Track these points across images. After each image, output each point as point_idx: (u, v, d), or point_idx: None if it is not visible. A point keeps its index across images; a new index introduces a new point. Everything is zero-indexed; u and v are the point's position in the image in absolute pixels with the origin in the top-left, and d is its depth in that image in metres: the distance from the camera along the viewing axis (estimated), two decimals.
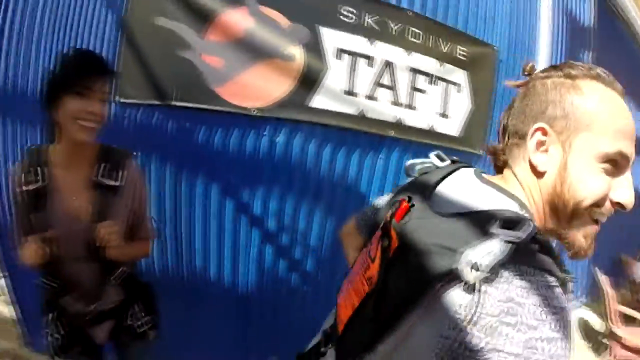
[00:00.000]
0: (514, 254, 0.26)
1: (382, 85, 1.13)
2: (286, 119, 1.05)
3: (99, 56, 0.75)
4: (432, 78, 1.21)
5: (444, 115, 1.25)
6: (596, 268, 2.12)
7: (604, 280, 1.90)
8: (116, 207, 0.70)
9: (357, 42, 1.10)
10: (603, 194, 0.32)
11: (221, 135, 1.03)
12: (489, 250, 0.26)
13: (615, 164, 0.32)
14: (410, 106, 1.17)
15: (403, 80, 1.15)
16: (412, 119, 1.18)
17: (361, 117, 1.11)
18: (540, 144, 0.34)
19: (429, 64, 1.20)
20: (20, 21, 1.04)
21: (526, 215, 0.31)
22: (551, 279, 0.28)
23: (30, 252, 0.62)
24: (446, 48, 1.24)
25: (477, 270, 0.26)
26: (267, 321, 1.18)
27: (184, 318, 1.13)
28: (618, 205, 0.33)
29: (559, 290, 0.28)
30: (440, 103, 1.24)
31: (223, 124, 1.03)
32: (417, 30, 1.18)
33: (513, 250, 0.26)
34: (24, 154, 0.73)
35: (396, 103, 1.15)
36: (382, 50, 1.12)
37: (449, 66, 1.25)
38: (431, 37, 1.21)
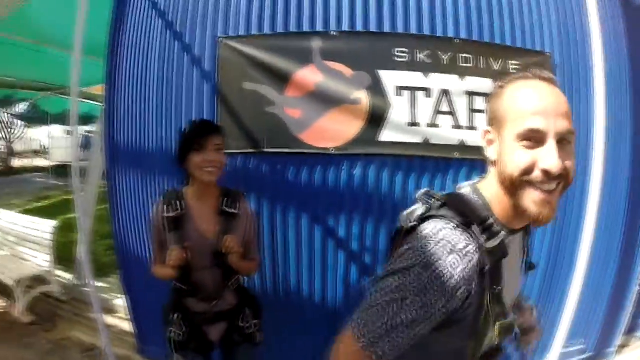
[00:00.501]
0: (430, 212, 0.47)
1: (441, 112, 1.25)
2: (360, 154, 1.23)
3: (209, 121, 1.03)
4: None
5: None
6: None
7: None
8: (235, 229, 0.94)
9: (413, 78, 1.25)
10: (526, 164, 0.41)
11: (307, 173, 1.26)
12: (415, 210, 0.50)
13: (531, 139, 0.41)
14: (471, 127, 1.27)
15: (461, 104, 1.26)
16: (474, 138, 1.27)
17: (426, 144, 1.24)
18: (489, 142, 0.50)
19: (484, 84, 1.30)
20: (156, 95, 1.43)
21: (464, 195, 0.49)
22: (448, 225, 0.44)
23: (174, 254, 0.85)
24: (498, 65, 1.33)
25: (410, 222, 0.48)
26: None
27: (280, 330, 1.33)
28: (545, 172, 0.40)
29: (452, 232, 0.43)
30: None
31: (307, 164, 1.25)
32: (467, 55, 1.30)
33: (428, 210, 0.48)
34: (163, 195, 0.97)
35: (457, 126, 1.26)
36: (437, 81, 1.26)
37: None
38: (481, 58, 1.31)
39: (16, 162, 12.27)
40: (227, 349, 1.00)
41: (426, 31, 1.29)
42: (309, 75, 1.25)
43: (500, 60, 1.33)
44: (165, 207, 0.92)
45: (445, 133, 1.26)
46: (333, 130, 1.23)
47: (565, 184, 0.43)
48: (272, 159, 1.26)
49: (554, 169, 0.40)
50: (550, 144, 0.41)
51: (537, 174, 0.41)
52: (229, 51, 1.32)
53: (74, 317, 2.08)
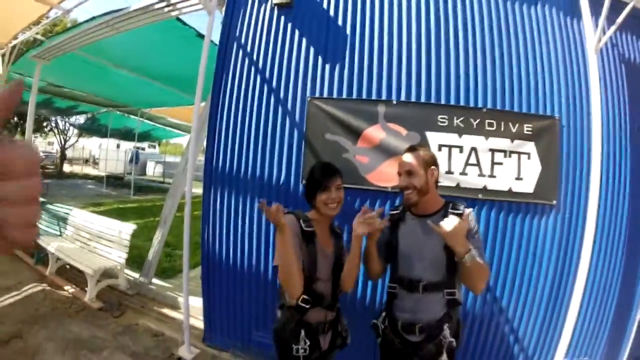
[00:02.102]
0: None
1: (470, 164, 1.81)
2: None
3: (331, 164, 1.23)
4: (507, 153, 1.84)
5: (519, 178, 1.85)
6: None
7: None
8: (342, 246, 1.25)
9: (450, 138, 1.82)
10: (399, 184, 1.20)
11: (370, 203, 1.83)
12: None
13: (399, 173, 1.22)
14: (492, 175, 1.82)
15: (485, 158, 1.82)
16: (494, 184, 1.82)
17: (457, 187, 1.79)
18: None
19: (503, 143, 1.85)
20: (253, 136, 2.03)
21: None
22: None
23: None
24: (515, 128, 1.87)
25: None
26: None
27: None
28: (400, 188, 1.21)
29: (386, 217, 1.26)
30: (516, 170, 1.86)
31: (371, 197, 1.82)
32: (491, 121, 1.85)
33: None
34: (293, 213, 1.17)
35: (481, 175, 1.81)
36: (468, 140, 1.82)
37: (518, 141, 1.87)
38: (502, 123, 1.86)
39: (66, 167, 13.45)
40: (325, 355, 1.16)
41: (462, 102, 1.87)
42: (375, 132, 1.84)
43: (517, 124, 1.88)
44: (302, 221, 1.13)
45: (472, 179, 1.81)
46: (391, 174, 1.79)
47: (413, 190, 1.17)
48: (345, 192, 1.84)
49: (401, 184, 1.20)
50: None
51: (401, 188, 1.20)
52: (315, 108, 1.92)
53: (140, 308, 2.59)
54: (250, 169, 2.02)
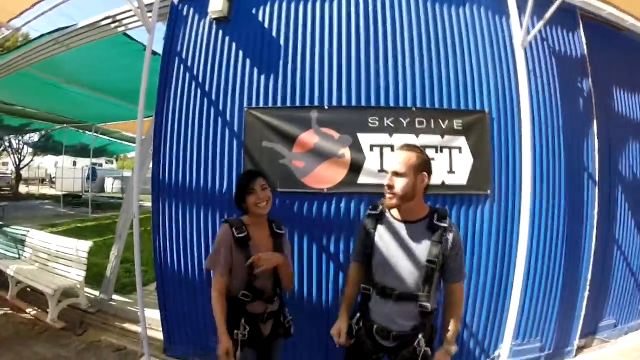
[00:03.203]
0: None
1: None
2: (345, 192, 1.90)
3: (252, 169, 1.49)
4: (438, 149, 1.96)
5: (451, 172, 1.97)
6: None
7: None
8: (284, 245, 1.34)
9: (382, 138, 1.93)
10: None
11: (307, 206, 1.93)
12: None
13: (387, 172, 1.14)
14: None
15: None
16: None
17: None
18: None
19: (434, 139, 1.96)
20: (196, 147, 2.12)
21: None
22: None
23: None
24: (445, 125, 1.99)
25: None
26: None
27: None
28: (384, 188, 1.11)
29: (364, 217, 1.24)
30: (447, 164, 1.97)
31: (308, 200, 1.92)
32: (421, 119, 1.97)
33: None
34: (227, 221, 1.28)
35: None
36: (399, 139, 1.93)
37: (449, 137, 1.99)
38: (432, 120, 1.98)
39: (23, 189, 13.10)
40: (269, 342, 1.32)
41: (392, 103, 1.98)
42: (309, 137, 1.94)
43: (447, 121, 2.00)
44: (234, 229, 1.24)
45: None
46: (326, 176, 1.90)
47: (395, 194, 1.08)
48: (283, 197, 1.94)
49: (385, 185, 1.12)
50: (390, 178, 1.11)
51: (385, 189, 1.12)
52: (252, 118, 2.02)
53: (102, 325, 2.62)
54: (195, 179, 2.10)
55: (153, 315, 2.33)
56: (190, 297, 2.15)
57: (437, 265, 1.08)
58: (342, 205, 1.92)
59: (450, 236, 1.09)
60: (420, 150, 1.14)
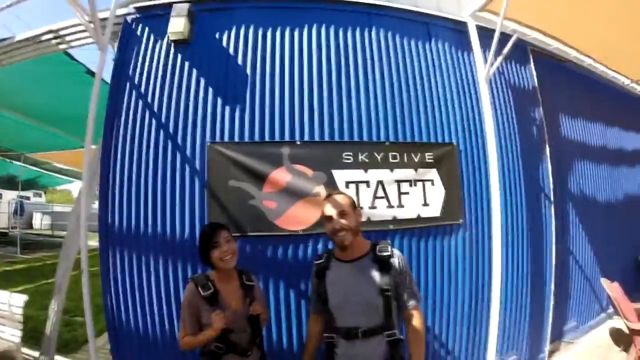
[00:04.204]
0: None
1: (378, 197, 1.91)
2: (321, 233, 1.81)
3: (215, 222, 1.36)
4: (412, 182, 1.99)
5: (425, 204, 2.01)
6: (603, 279, 2.76)
7: (611, 286, 2.46)
8: (255, 296, 1.31)
9: (357, 174, 1.90)
10: (327, 228, 1.24)
11: (282, 249, 1.81)
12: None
13: (328, 217, 1.23)
14: (400, 205, 1.94)
15: (392, 190, 1.94)
16: (403, 213, 1.94)
17: (368, 221, 1.87)
18: None
19: (408, 173, 1.99)
20: (151, 186, 1.89)
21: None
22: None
23: (219, 318, 1.15)
24: (417, 158, 2.03)
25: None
26: None
27: None
28: (331, 232, 1.23)
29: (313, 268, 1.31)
30: (421, 197, 2.01)
31: (282, 242, 1.81)
32: (394, 153, 1.98)
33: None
34: (193, 279, 1.26)
35: (390, 206, 1.92)
36: (374, 174, 1.92)
37: (422, 170, 2.03)
38: (405, 154, 2.00)
39: None
40: None
41: (365, 138, 1.97)
42: (281, 175, 1.84)
43: (419, 154, 2.05)
44: (200, 288, 1.22)
45: (382, 212, 1.91)
46: (300, 217, 1.81)
47: (348, 230, 1.18)
48: (255, 241, 1.80)
49: (336, 227, 1.20)
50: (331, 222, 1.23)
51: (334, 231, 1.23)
52: (216, 153, 1.86)
53: None
54: (150, 224, 1.87)
55: None
56: (151, 354, 1.90)
57: (392, 292, 1.17)
58: (319, 246, 1.84)
59: (395, 261, 1.20)
60: (343, 192, 1.38)
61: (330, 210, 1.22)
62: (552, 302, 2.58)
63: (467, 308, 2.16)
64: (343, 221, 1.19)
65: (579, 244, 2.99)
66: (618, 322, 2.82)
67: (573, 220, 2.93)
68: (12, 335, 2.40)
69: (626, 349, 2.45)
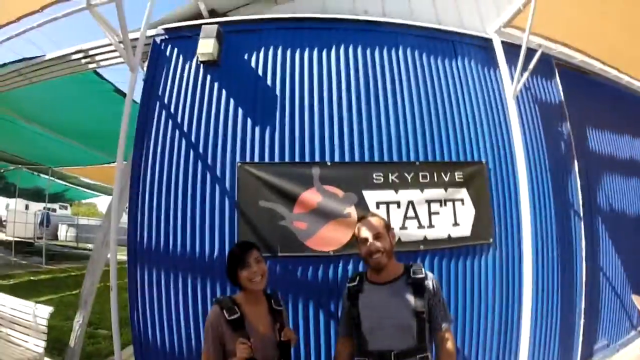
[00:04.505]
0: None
1: (408, 218, 1.89)
2: (352, 254, 1.80)
3: (245, 241, 1.33)
4: (442, 202, 1.97)
5: (456, 224, 1.98)
6: (634, 295, 2.66)
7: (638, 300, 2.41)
8: (284, 321, 1.24)
9: (387, 194, 1.89)
10: (362, 251, 1.25)
11: (312, 270, 1.80)
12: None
13: (363, 240, 1.24)
14: (430, 226, 1.92)
15: (422, 210, 1.92)
16: (433, 234, 1.92)
17: (399, 242, 1.84)
18: None
19: (438, 193, 1.97)
20: (181, 205, 1.90)
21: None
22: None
23: (243, 347, 1.06)
24: (447, 177, 2.01)
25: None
26: None
27: None
28: (366, 254, 1.23)
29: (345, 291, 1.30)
30: (452, 217, 1.98)
31: (312, 264, 1.80)
32: (425, 173, 1.97)
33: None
34: (217, 301, 1.19)
35: (420, 227, 1.90)
36: (404, 195, 1.91)
37: (452, 189, 2.01)
38: (435, 174, 1.99)
39: None
40: None
41: (395, 158, 1.97)
42: (311, 196, 1.84)
43: (449, 173, 2.02)
44: (225, 312, 1.14)
45: (412, 232, 1.89)
46: (331, 238, 1.80)
47: (384, 252, 1.19)
48: (285, 261, 1.80)
49: (372, 249, 1.21)
50: (367, 245, 1.22)
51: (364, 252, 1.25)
52: (246, 174, 1.88)
53: None
54: (179, 242, 1.89)
55: None
56: None
57: (426, 314, 1.16)
58: (350, 267, 1.83)
59: (430, 284, 1.20)
60: (375, 213, 1.42)
61: (365, 233, 1.22)
62: (582, 321, 2.50)
63: (497, 329, 2.11)
64: (378, 244, 1.19)
65: (609, 259, 2.89)
66: None
67: (603, 236, 2.84)
68: (35, 345, 2.44)
69: None
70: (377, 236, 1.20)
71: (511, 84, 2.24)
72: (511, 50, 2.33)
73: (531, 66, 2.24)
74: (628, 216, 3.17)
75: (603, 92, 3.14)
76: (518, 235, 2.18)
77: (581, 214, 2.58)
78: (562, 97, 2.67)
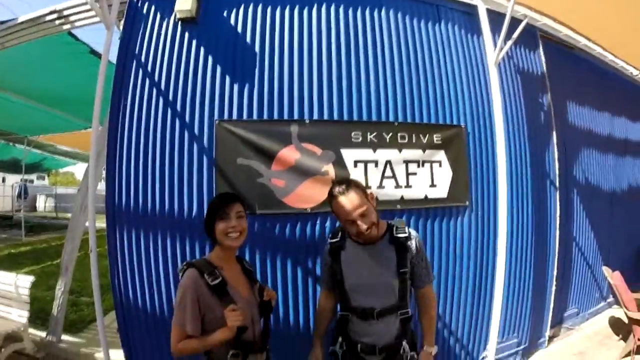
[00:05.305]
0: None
1: (386, 177, 1.92)
2: (328, 211, 1.79)
3: (229, 192, 1.26)
4: (420, 163, 2.00)
5: (433, 185, 2.02)
6: (604, 267, 2.80)
7: (612, 275, 2.49)
8: (256, 281, 1.18)
9: (365, 153, 1.91)
10: (352, 231, 1.17)
11: (290, 227, 1.83)
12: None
13: (348, 222, 1.13)
14: (408, 186, 1.95)
15: (400, 170, 1.95)
16: (410, 194, 1.96)
17: (376, 201, 1.89)
18: None
19: (416, 154, 2.00)
20: (159, 165, 1.89)
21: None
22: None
23: (235, 313, 0.97)
24: (426, 139, 2.04)
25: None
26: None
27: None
28: (357, 234, 1.15)
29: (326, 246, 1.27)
30: (429, 178, 2.02)
31: (290, 220, 1.82)
32: (403, 134, 1.99)
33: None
34: (191, 265, 1.07)
35: (398, 186, 1.93)
36: (382, 154, 1.93)
37: (430, 151, 2.04)
38: (413, 135, 2.01)
39: None
40: None
41: (374, 118, 1.97)
42: (290, 153, 1.84)
43: (427, 135, 2.05)
44: (206, 276, 1.02)
45: (389, 191, 1.92)
46: (309, 195, 1.82)
47: (374, 224, 1.12)
48: (263, 219, 1.82)
49: (362, 230, 1.12)
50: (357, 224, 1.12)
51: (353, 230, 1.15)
52: (224, 131, 1.87)
53: None
54: (158, 202, 1.88)
55: (113, 356, 2.05)
56: (159, 333, 1.92)
57: (408, 274, 1.18)
58: (327, 224, 1.86)
59: (413, 243, 1.19)
60: (347, 180, 1.21)
61: (350, 215, 1.10)
62: (554, 288, 2.63)
63: (470, 289, 2.20)
64: (366, 222, 1.10)
65: (582, 231, 3.02)
66: (618, 312, 2.87)
67: (577, 208, 2.96)
68: (19, 316, 2.46)
69: (625, 338, 2.50)
70: (362, 214, 1.10)
71: (494, 51, 2.25)
72: (495, 18, 2.33)
73: (515, 35, 2.25)
74: (603, 191, 3.30)
75: (586, 68, 3.19)
76: (494, 200, 2.24)
77: (557, 184, 2.67)
78: (545, 69, 2.71)
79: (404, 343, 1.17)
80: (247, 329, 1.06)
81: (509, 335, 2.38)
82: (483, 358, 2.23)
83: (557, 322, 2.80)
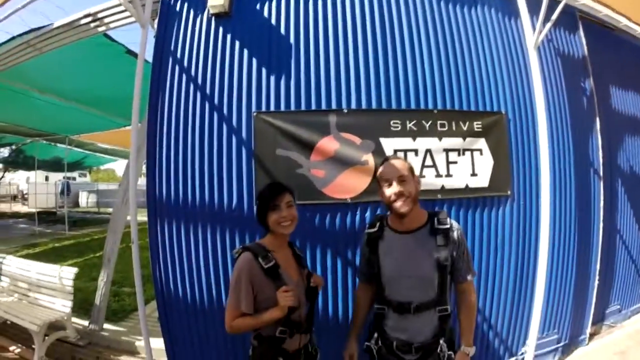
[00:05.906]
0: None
1: (426, 166, 1.88)
2: (369, 201, 1.81)
3: (279, 183, 1.25)
4: (460, 151, 1.94)
5: (474, 174, 1.95)
6: None
7: None
8: (306, 267, 1.25)
9: (405, 142, 1.87)
10: (384, 195, 1.15)
11: (330, 217, 1.82)
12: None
13: (385, 183, 1.13)
14: (448, 175, 1.90)
15: (440, 159, 1.90)
16: (451, 183, 1.90)
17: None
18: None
19: (456, 142, 1.94)
20: (199, 158, 1.92)
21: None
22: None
23: (289, 294, 1.04)
24: (466, 127, 1.97)
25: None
26: None
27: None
28: (388, 198, 1.12)
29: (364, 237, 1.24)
30: (470, 167, 1.96)
31: (330, 211, 1.81)
32: (443, 121, 1.93)
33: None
34: (247, 249, 1.13)
35: (438, 175, 1.89)
36: (422, 143, 1.88)
37: (470, 139, 1.97)
38: (453, 123, 1.95)
39: None
40: None
41: (413, 106, 1.93)
42: (329, 144, 1.83)
43: (468, 123, 1.98)
44: (260, 259, 1.10)
45: (430, 181, 1.88)
46: (348, 185, 1.80)
47: (408, 197, 1.10)
48: (303, 209, 1.80)
49: (390, 197, 1.12)
50: (393, 186, 1.12)
51: (387, 198, 1.14)
52: (262, 123, 1.87)
53: (95, 359, 2.41)
54: (198, 194, 1.92)
55: (153, 344, 2.11)
56: (199, 324, 1.97)
57: (449, 267, 1.11)
58: (367, 214, 1.84)
59: (455, 235, 1.13)
60: (400, 157, 1.28)
61: (388, 175, 1.12)
62: (596, 283, 2.50)
63: (511, 283, 2.12)
64: (402, 188, 1.09)
65: (627, 223, 2.85)
66: None
67: (622, 198, 2.79)
68: (63, 306, 2.60)
69: None
70: (401, 179, 1.10)
71: (532, 34, 2.15)
72: (534, 1, 2.22)
73: (554, 17, 2.13)
74: None
75: (629, 49, 3.00)
76: (536, 189, 2.15)
77: (601, 174, 2.53)
78: (585, 52, 2.57)
79: (442, 342, 1.10)
80: (296, 309, 1.12)
81: (549, 332, 2.28)
82: (522, 354, 2.15)
83: (599, 318, 2.67)
